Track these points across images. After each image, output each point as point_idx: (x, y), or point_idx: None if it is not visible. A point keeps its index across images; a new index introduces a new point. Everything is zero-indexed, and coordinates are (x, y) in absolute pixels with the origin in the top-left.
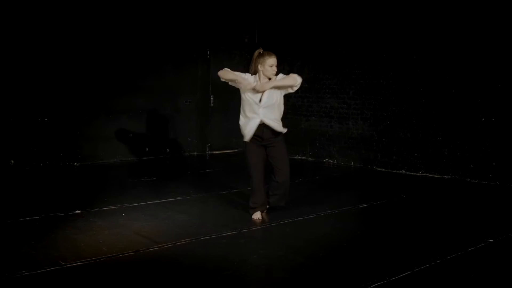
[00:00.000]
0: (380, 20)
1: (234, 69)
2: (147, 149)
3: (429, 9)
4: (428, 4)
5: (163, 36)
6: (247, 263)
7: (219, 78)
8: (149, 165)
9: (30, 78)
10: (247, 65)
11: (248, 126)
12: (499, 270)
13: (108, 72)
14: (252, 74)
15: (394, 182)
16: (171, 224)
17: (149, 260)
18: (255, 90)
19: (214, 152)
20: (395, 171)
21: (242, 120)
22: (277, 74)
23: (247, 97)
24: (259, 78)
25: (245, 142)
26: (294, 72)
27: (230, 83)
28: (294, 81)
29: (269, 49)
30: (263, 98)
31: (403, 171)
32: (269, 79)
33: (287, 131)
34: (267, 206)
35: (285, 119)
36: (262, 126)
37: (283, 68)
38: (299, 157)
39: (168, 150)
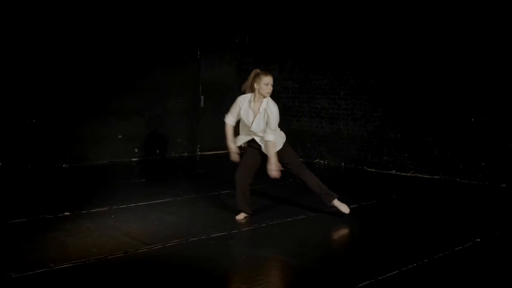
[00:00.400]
0: (371, 21)
1: (225, 68)
2: (136, 150)
3: (419, 11)
4: (418, 6)
5: (153, 37)
6: (235, 264)
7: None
8: (138, 167)
9: (18, 80)
10: (237, 65)
11: (241, 136)
12: (486, 269)
13: (97, 73)
14: (247, 92)
15: (384, 182)
16: (160, 226)
17: (138, 262)
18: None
19: (205, 153)
20: (385, 172)
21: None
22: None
23: (242, 117)
24: (254, 97)
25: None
26: (285, 72)
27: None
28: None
29: (260, 49)
30: (253, 123)
31: (394, 171)
32: (264, 97)
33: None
34: (250, 213)
35: None
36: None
37: (274, 68)
38: None
39: (157, 151)
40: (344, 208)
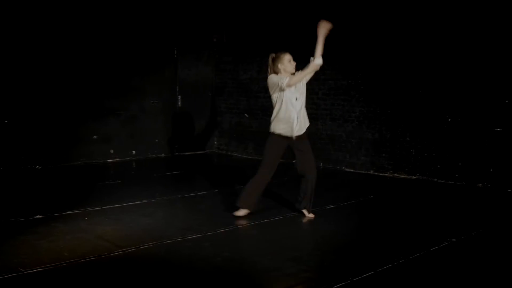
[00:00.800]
0: (348, 21)
1: (202, 68)
2: (112, 151)
3: (395, 11)
4: (392, 6)
5: (129, 36)
6: (211, 266)
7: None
8: (114, 168)
9: None
10: (215, 65)
11: (281, 126)
12: (461, 269)
13: (71, 72)
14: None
15: (362, 182)
16: (135, 228)
17: (112, 265)
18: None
19: (182, 153)
20: (363, 172)
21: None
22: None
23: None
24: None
25: (274, 134)
26: (263, 72)
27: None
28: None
29: (238, 48)
30: (297, 94)
31: (372, 171)
32: (291, 73)
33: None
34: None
35: (254, 120)
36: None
37: (252, 68)
38: None
39: (134, 152)
40: (309, 216)
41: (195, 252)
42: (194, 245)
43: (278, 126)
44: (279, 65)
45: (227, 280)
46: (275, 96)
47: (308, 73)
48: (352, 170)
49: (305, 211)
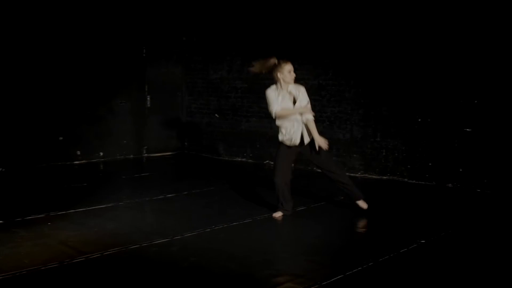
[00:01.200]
0: (319, 21)
1: (172, 68)
2: (78, 153)
3: (367, 10)
4: (363, 6)
5: (96, 34)
6: (177, 271)
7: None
8: (80, 170)
9: None
10: (184, 65)
11: (286, 136)
12: (430, 270)
13: (36, 71)
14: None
15: (333, 184)
16: (99, 233)
17: (73, 273)
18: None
19: (151, 154)
20: None
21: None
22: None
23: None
24: (281, 86)
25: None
26: (234, 72)
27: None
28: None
29: (208, 48)
30: (296, 104)
31: None
32: (289, 83)
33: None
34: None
35: (225, 120)
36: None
37: (223, 67)
38: (239, 159)
39: (101, 153)
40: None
41: (161, 257)
42: (161, 250)
43: (281, 136)
44: (279, 74)
45: (194, 286)
46: None
47: (297, 112)
48: None
49: (359, 202)
